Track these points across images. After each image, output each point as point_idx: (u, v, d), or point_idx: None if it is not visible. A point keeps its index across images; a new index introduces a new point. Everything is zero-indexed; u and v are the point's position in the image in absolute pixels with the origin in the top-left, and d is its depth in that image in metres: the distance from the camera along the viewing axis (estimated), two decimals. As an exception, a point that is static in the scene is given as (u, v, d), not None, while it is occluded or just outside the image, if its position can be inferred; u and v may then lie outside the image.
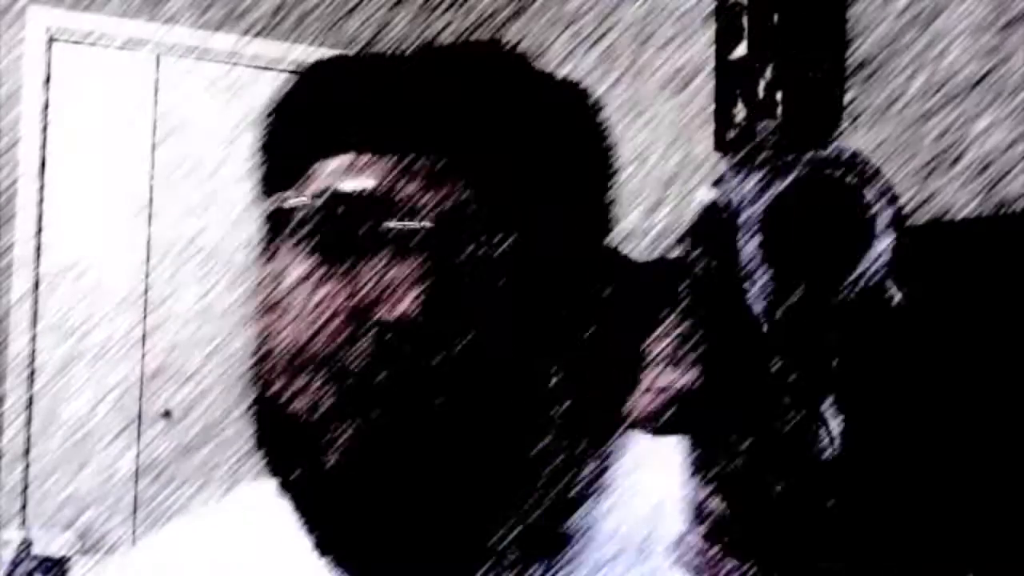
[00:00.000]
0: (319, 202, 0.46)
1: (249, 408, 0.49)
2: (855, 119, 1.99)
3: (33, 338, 3.07)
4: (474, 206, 0.45)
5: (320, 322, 0.45)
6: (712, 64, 2.38)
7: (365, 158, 0.47)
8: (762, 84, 2.21)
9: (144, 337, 3.19)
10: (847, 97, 2.01)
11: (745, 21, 2.27)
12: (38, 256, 3.09)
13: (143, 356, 3.19)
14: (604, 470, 0.51)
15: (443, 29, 3.45)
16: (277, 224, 0.49)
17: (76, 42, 3.14)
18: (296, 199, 0.48)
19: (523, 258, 0.45)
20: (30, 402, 3.07)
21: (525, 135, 0.47)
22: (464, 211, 0.45)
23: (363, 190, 0.46)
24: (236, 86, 3.28)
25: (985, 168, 1.70)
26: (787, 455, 0.37)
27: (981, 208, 1.70)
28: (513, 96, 0.48)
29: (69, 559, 2.60)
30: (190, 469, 3.20)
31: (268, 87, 3.25)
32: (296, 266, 0.47)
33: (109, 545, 3.09)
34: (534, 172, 0.47)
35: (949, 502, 1.40)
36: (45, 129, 3.09)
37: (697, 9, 2.49)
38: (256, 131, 0.53)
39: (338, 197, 0.46)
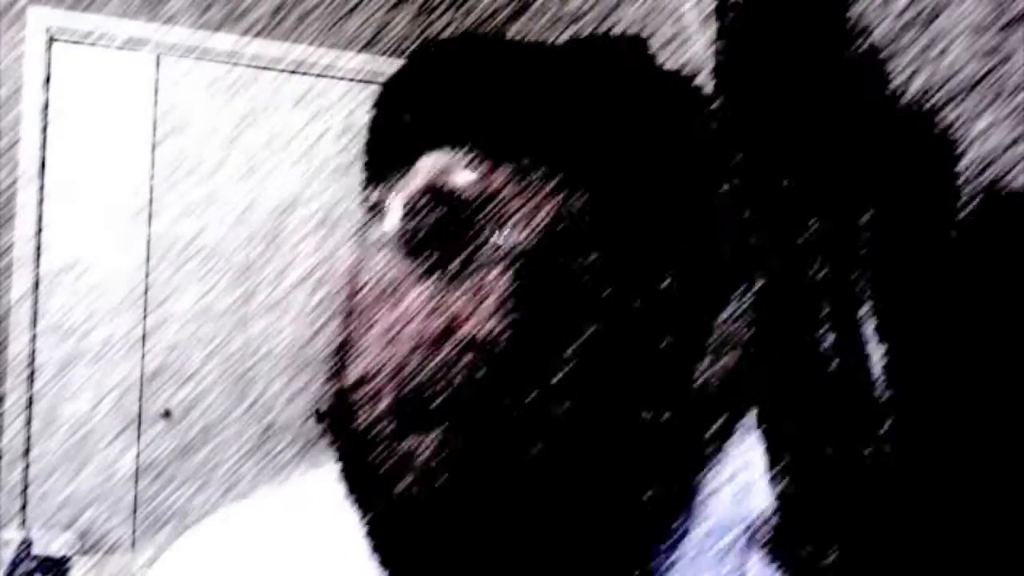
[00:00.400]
0: (417, 201, 0.43)
1: (323, 411, 0.45)
2: (855, 119, 1.99)
3: (33, 338, 3.07)
4: (584, 226, 0.41)
5: (403, 332, 0.42)
6: (712, 64, 2.38)
7: (474, 157, 0.43)
8: (762, 84, 2.21)
9: (144, 337, 3.19)
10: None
11: (745, 21, 2.27)
12: (38, 256, 3.09)
13: (143, 356, 3.19)
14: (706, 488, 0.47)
15: (443, 29, 3.45)
16: (375, 215, 0.46)
17: (76, 42, 3.14)
18: (393, 195, 0.44)
19: (629, 285, 0.41)
20: (30, 402, 3.07)
21: (648, 151, 0.43)
22: (573, 231, 0.41)
23: (466, 194, 0.42)
24: (236, 86, 3.28)
25: (985, 168, 1.71)
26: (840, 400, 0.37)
27: (981, 208, 1.70)
28: (643, 107, 0.43)
29: (69, 559, 2.60)
30: (190, 469, 3.20)
31: (268, 87, 3.24)
32: (387, 266, 0.44)
33: (109, 545, 3.09)
34: (653, 191, 0.42)
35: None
36: (45, 129, 3.09)
37: (697, 9, 2.49)
38: (371, 109, 0.49)
39: (438, 198, 0.42)
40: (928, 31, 1.98)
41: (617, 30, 2.80)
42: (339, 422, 0.44)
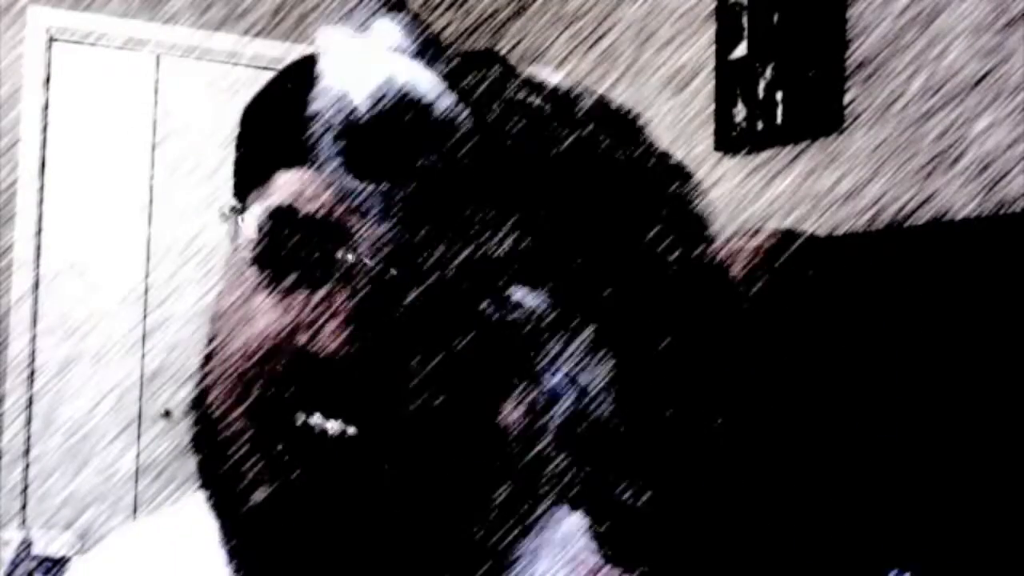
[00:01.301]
0: (267, 217, 0.45)
1: (191, 417, 0.47)
2: (855, 119, 1.99)
3: (33, 338, 3.07)
4: (423, 245, 0.42)
5: (252, 344, 0.43)
6: (712, 64, 2.38)
7: (323, 176, 0.44)
8: (762, 84, 2.21)
9: (144, 337, 3.19)
10: (847, 97, 2.01)
11: (745, 21, 2.27)
12: (38, 256, 3.09)
13: (143, 356, 3.19)
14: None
15: (443, 29, 3.45)
16: (235, 228, 0.48)
17: (76, 42, 3.14)
18: (250, 208, 0.46)
19: (465, 309, 0.43)
20: (30, 402, 3.07)
21: (498, 165, 0.44)
22: (412, 249, 0.42)
23: (312, 212, 0.44)
24: (236, 86, 3.28)
25: (985, 168, 1.70)
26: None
27: (981, 208, 1.70)
28: (488, 119, 0.44)
29: (69, 559, 2.60)
30: (190, 469, 3.20)
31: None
32: (243, 279, 0.45)
33: (109, 545, 3.09)
34: (498, 206, 0.43)
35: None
36: (45, 129, 3.09)
37: (697, 9, 2.49)
38: (237, 123, 0.51)
39: (286, 215, 0.44)
40: (928, 31, 1.99)
41: (617, 30, 2.80)
42: (198, 428, 0.46)
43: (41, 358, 3.09)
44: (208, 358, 0.46)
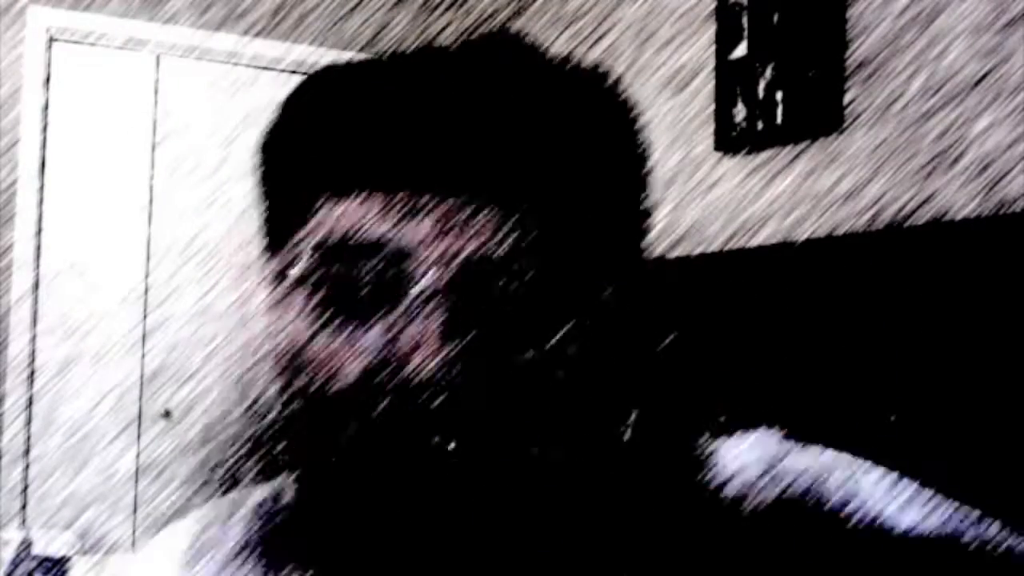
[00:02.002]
0: (322, 255, 0.42)
1: (292, 469, 0.47)
2: (855, 119, 1.99)
3: (33, 338, 3.07)
4: (503, 250, 0.40)
5: (346, 379, 0.41)
6: (712, 64, 2.38)
7: (376, 199, 0.41)
8: (762, 84, 2.21)
9: (144, 337, 3.19)
10: (847, 97, 2.01)
11: (745, 21, 2.27)
12: (38, 256, 3.09)
13: (143, 356, 3.19)
14: None
15: (443, 29, 3.45)
16: (283, 272, 0.45)
17: (76, 42, 3.14)
18: (298, 253, 0.43)
19: (557, 304, 0.41)
20: (30, 402, 3.07)
21: (558, 153, 0.41)
22: (490, 258, 0.40)
23: (373, 238, 0.41)
24: (236, 86, 3.28)
25: (985, 168, 1.70)
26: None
27: (981, 208, 1.70)
28: (538, 106, 0.42)
29: (69, 559, 2.60)
30: (190, 469, 3.20)
31: (268, 87, 3.24)
32: (307, 323, 0.43)
33: (109, 545, 3.09)
34: (569, 197, 0.42)
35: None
36: (45, 129, 3.09)
37: (697, 9, 2.49)
38: (255, 159, 0.47)
39: (345, 248, 0.41)
40: (928, 31, 1.99)
41: (617, 30, 2.79)
42: (304, 476, 0.46)
43: (41, 358, 3.08)
44: (291, 402, 0.44)
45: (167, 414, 3.19)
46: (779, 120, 2.16)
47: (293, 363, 0.43)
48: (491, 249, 0.40)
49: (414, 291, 0.40)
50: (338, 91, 0.43)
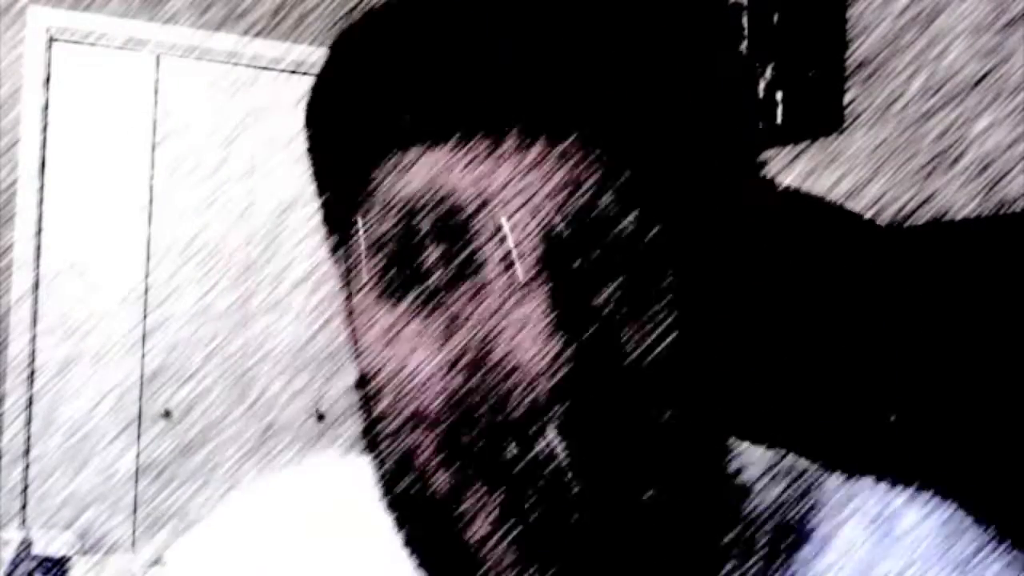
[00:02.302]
0: (393, 225, 0.35)
1: (381, 479, 0.39)
2: (855, 119, 1.99)
3: (33, 338, 3.07)
4: (609, 193, 0.33)
5: (427, 380, 0.35)
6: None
7: (448, 151, 0.34)
8: (762, 84, 2.21)
9: (144, 337, 3.19)
10: (847, 97, 2.01)
11: (745, 21, 2.27)
12: (38, 256, 3.08)
13: (143, 356, 3.19)
14: None
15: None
16: (348, 253, 0.39)
17: (76, 42, 3.14)
18: (361, 226, 0.36)
19: (677, 252, 0.34)
20: (30, 402, 3.07)
21: (655, 77, 0.34)
22: (595, 202, 0.33)
23: (450, 198, 0.34)
24: (236, 86, 3.28)
25: (985, 168, 1.70)
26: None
27: (981, 208, 1.70)
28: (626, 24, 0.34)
29: (69, 559, 2.60)
30: (190, 469, 3.20)
31: (268, 87, 3.24)
32: (381, 310, 0.36)
33: (109, 545, 3.09)
34: (669, 133, 0.34)
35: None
36: (45, 129, 3.09)
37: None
38: (307, 123, 0.40)
39: (418, 213, 0.34)
40: (928, 31, 1.98)
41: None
42: (389, 460, 0.38)
43: (41, 358, 3.08)
44: (374, 402, 0.37)
45: (167, 414, 3.19)
46: (779, 120, 2.16)
47: (374, 367, 0.37)
48: (603, 205, 0.33)
49: (503, 261, 0.33)
50: (404, 22, 0.36)
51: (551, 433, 0.33)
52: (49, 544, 2.65)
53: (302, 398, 3.30)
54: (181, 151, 3.23)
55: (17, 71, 3.05)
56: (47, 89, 3.09)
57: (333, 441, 3.28)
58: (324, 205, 0.41)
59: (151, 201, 3.21)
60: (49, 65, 3.10)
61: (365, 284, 0.37)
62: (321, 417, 3.33)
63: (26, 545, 2.56)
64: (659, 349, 0.34)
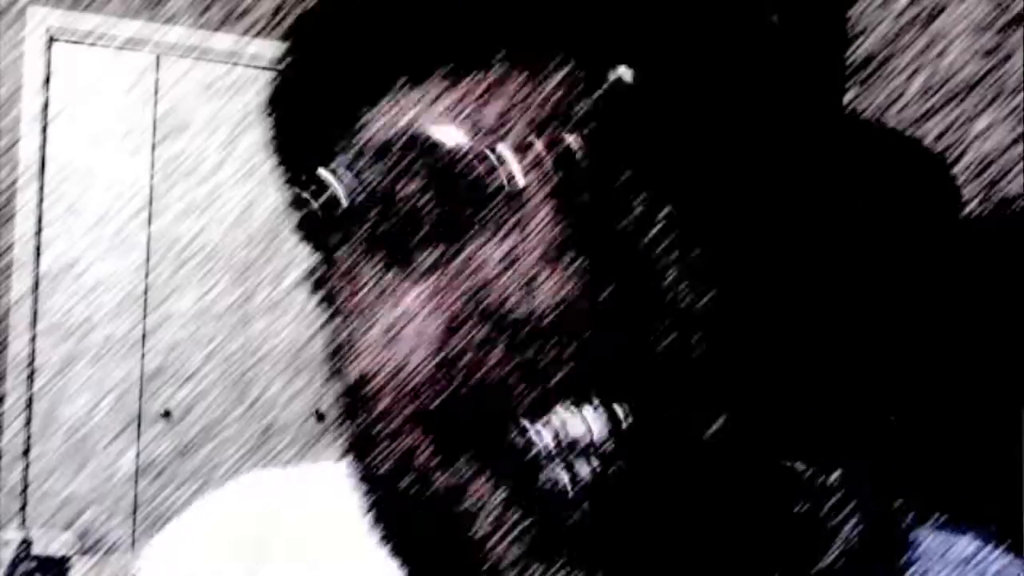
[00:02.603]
0: (378, 176, 0.31)
1: (357, 460, 0.36)
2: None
3: (33, 338, 3.07)
4: (620, 117, 0.29)
5: (428, 341, 0.30)
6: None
7: (432, 87, 0.30)
8: (762, 84, 2.21)
9: (144, 337, 3.19)
10: (847, 97, 2.01)
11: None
12: (38, 256, 3.09)
13: (143, 356, 3.19)
14: None
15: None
16: (326, 218, 0.34)
17: (76, 42, 3.14)
18: (338, 178, 0.32)
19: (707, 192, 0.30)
20: (30, 402, 3.07)
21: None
22: (605, 131, 0.29)
23: (441, 140, 0.30)
24: (236, 86, 3.28)
25: (985, 168, 1.70)
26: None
27: (981, 208, 1.70)
28: None
29: (69, 559, 2.60)
30: (190, 469, 3.20)
31: (268, 87, 3.26)
32: (371, 271, 0.32)
33: (109, 545, 3.09)
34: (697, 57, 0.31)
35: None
36: (45, 129, 3.09)
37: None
38: (269, 93, 0.37)
39: (407, 160, 0.31)
40: (928, 31, 1.98)
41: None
42: (361, 436, 0.36)
43: (41, 358, 3.08)
44: (357, 389, 0.34)
45: (167, 414, 3.19)
46: (779, 120, 2.16)
47: (363, 338, 0.33)
48: (607, 126, 0.29)
49: (503, 199, 0.29)
50: None
51: (568, 413, 0.28)
52: (49, 544, 2.65)
53: (302, 398, 3.30)
54: (181, 151, 3.23)
55: (17, 71, 3.05)
56: (47, 89, 3.09)
57: (333, 441, 3.29)
58: (288, 163, 0.37)
59: (151, 201, 3.21)
60: (49, 65, 3.10)
61: (350, 243, 0.33)
62: (321, 417, 3.33)
63: (26, 545, 2.56)
64: (703, 302, 0.29)
